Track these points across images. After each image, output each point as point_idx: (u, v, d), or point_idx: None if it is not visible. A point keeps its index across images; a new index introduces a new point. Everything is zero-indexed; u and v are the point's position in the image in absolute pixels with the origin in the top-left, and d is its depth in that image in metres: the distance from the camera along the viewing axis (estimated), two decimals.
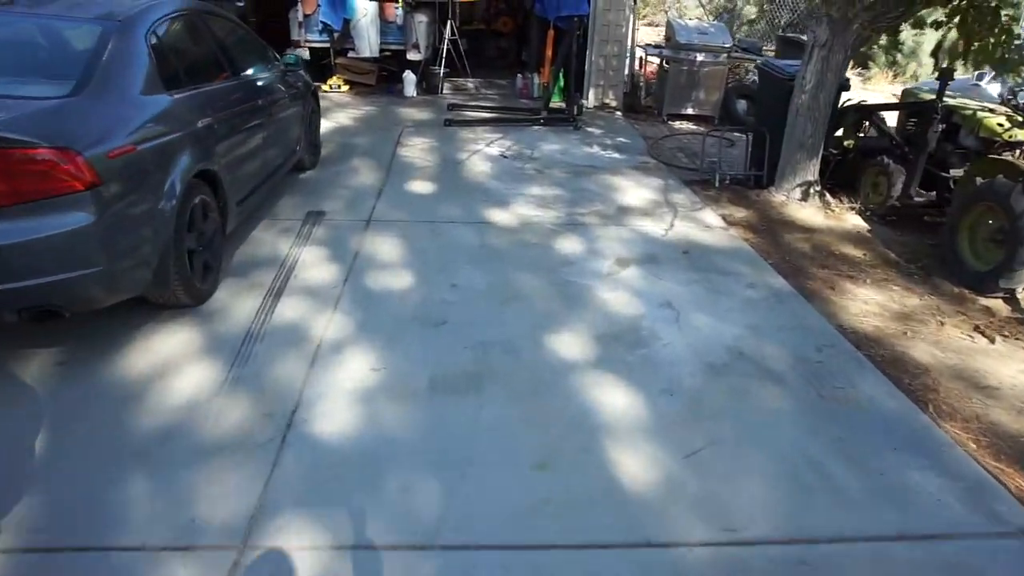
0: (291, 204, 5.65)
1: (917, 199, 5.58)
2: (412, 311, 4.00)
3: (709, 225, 5.69)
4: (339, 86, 10.05)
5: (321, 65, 10.36)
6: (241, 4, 12.38)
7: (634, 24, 9.61)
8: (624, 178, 6.90)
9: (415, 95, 10.08)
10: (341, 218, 5.39)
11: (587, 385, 3.38)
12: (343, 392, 3.22)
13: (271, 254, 4.66)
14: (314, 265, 4.53)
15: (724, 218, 5.90)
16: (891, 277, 5.01)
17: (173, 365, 3.35)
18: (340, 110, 9.12)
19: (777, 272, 4.86)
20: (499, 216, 5.60)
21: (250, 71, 5.06)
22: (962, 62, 6.19)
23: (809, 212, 6.09)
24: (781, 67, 6.35)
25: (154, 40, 3.78)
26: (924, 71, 14.71)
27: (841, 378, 3.58)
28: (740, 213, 6.06)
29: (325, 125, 8.07)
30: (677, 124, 9.45)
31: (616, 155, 7.75)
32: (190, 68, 4.16)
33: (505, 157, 7.38)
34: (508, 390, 3.31)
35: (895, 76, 15.13)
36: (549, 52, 8.85)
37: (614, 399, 3.29)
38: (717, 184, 6.66)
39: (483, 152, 7.53)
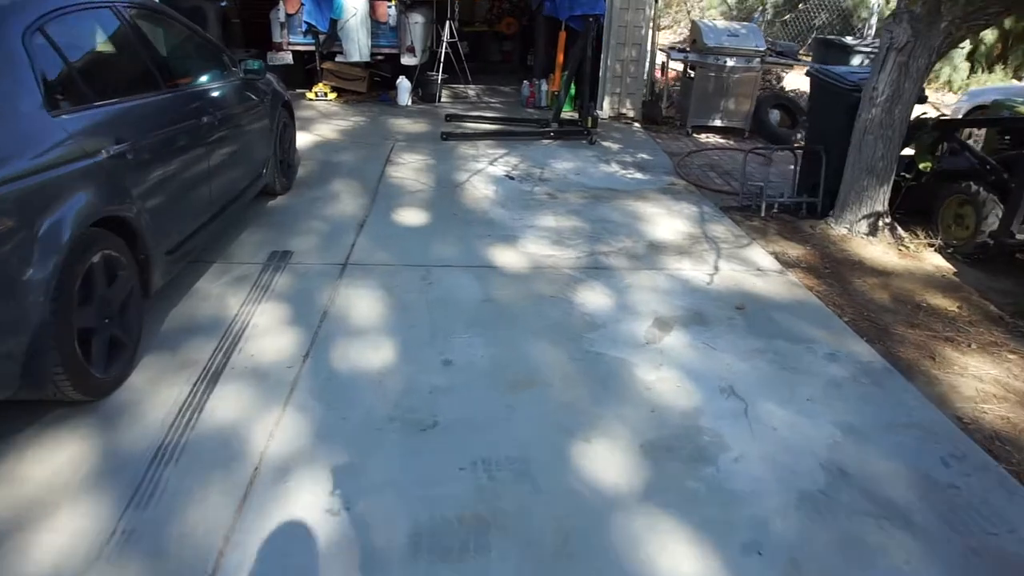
0: (252, 241, 4.63)
1: (1021, 236, 4.55)
2: (391, 405, 2.97)
3: (761, 268, 4.66)
4: (325, 93, 9.04)
5: (306, 70, 9.35)
6: (224, 3, 11.44)
7: (655, 25, 8.60)
8: (651, 204, 5.87)
9: (410, 104, 9.07)
10: (312, 260, 4.37)
11: (636, 536, 2.35)
12: (281, 557, 2.19)
13: (215, 315, 3.63)
14: (269, 331, 3.50)
15: (777, 257, 4.87)
16: (999, 339, 3.98)
17: (44, 506, 2.32)
18: (325, 121, 8.10)
19: (859, 335, 3.83)
20: (505, 257, 4.58)
21: (195, 81, 4.05)
22: (1001, 65, 5.38)
23: (879, 250, 5.06)
24: (842, 75, 5.32)
25: (39, 41, 2.76)
26: (959, 76, 13.69)
27: (989, 515, 2.55)
28: (795, 250, 5.03)
29: (306, 139, 7.07)
30: (703, 137, 8.42)
31: (639, 175, 6.72)
32: (98, 79, 3.14)
33: (511, 178, 6.36)
34: (523, 548, 2.28)
35: (927, 83, 14.07)
36: (560, 57, 7.83)
37: (678, 563, 2.25)
38: (763, 213, 5.63)
39: (486, 172, 6.51)
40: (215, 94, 4.19)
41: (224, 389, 3.01)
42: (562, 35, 7.73)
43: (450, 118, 8.26)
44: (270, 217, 5.10)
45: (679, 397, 3.15)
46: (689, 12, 9.24)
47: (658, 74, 9.18)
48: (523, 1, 11.46)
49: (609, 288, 4.20)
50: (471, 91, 10.04)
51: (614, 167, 6.94)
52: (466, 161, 6.83)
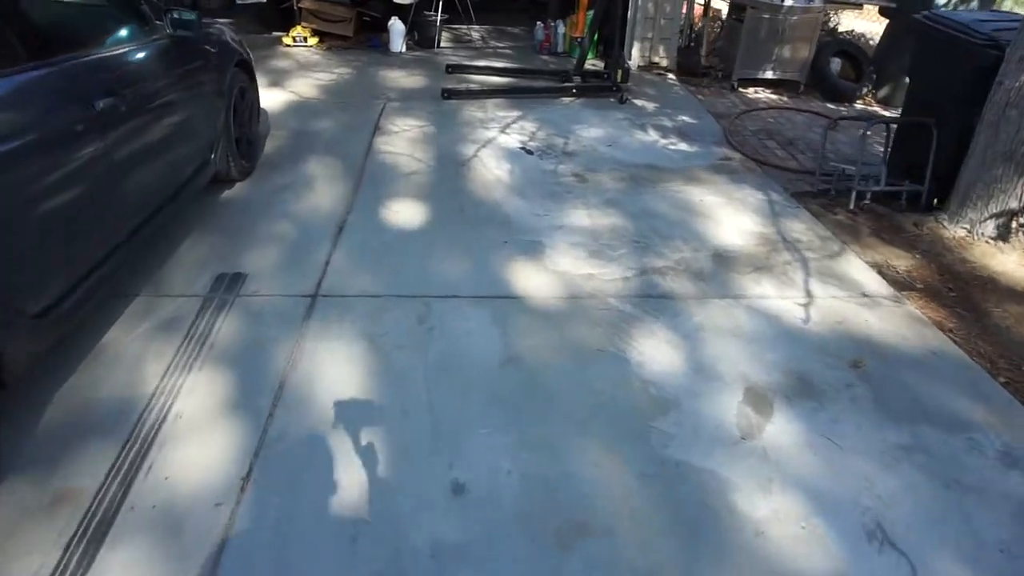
0: (194, 257, 3.48)
1: None
2: None
3: (868, 292, 3.52)
4: (305, 38, 7.68)
5: (281, 10, 7.96)
6: None
7: None
8: (705, 189, 4.68)
9: (404, 51, 7.72)
10: (270, 290, 3.24)
11: None
12: None
13: (124, 395, 2.53)
14: (196, 427, 2.41)
15: (882, 272, 3.73)
16: None
17: None
18: (303, 74, 6.80)
19: None
20: (530, 279, 3.44)
21: (88, 48, 2.82)
22: None
23: (1013, 260, 3.90)
24: (969, 24, 4.05)
25: None
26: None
27: None
28: (901, 261, 3.88)
29: (278, 99, 5.83)
30: (751, 92, 7.12)
31: (684, 146, 5.49)
32: None
33: (529, 152, 5.14)
34: None
35: None
36: None
37: None
38: (852, 205, 4.44)
39: (497, 143, 5.28)
40: (123, 63, 2.97)
41: (112, 559, 1.93)
42: None
43: (452, 69, 6.95)
44: (222, 217, 3.93)
45: (809, 550, 2.07)
46: None
47: (697, 16, 7.78)
48: None
49: (674, 332, 3.08)
50: (475, 33, 8.65)
51: (652, 134, 5.70)
52: (473, 128, 5.59)
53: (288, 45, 7.70)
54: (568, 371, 2.80)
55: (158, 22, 3.33)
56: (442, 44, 8.06)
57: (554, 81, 6.78)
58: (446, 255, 3.63)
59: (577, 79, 6.57)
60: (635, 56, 7.31)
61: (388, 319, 3.06)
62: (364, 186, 4.44)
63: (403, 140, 5.26)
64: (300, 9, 7.65)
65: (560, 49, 8.00)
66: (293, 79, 6.61)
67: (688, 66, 7.39)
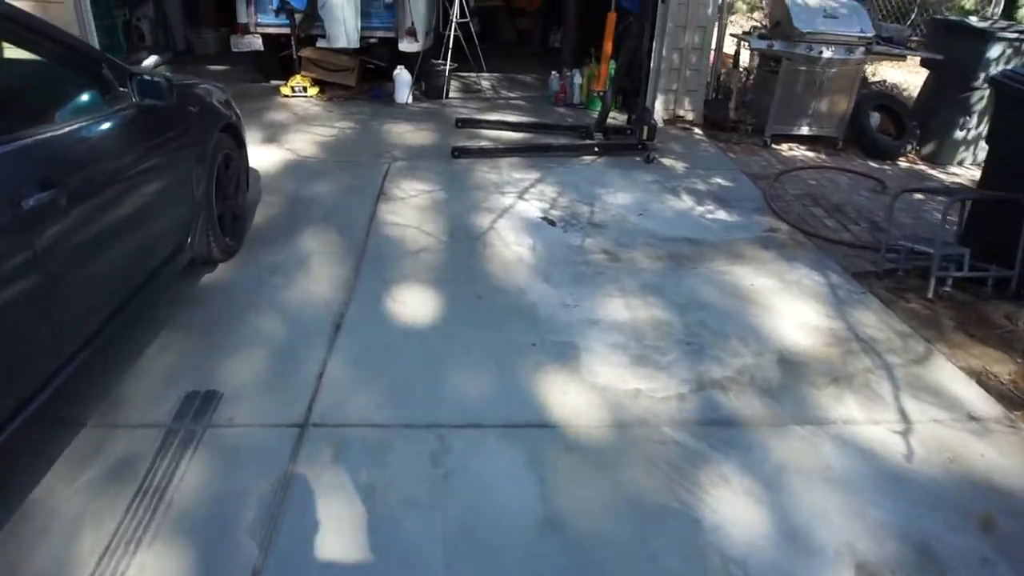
0: (160, 367, 2.89)
1: None
2: None
3: (973, 413, 2.92)
4: (304, 88, 7.19)
5: (280, 58, 7.48)
6: None
7: (725, 4, 6.72)
8: (754, 268, 4.11)
9: (410, 101, 7.23)
10: (249, 416, 2.64)
11: None
12: None
13: None
14: None
15: (981, 382, 3.14)
16: None
17: None
18: (301, 128, 6.28)
19: None
20: (566, 398, 2.84)
21: (27, 127, 2.25)
22: None
23: None
24: None
25: None
26: None
27: None
28: (1002, 366, 3.29)
29: (273, 158, 5.31)
30: (786, 149, 6.60)
31: (723, 214, 4.93)
32: None
33: (551, 223, 4.58)
34: None
35: None
36: (608, 46, 5.98)
37: None
38: (931, 293, 3.85)
39: (515, 212, 4.73)
40: (69, 144, 2.40)
41: None
42: (610, 17, 5.88)
43: (462, 123, 6.43)
44: (198, 310, 3.34)
45: None
46: None
47: (724, 68, 7.30)
48: None
49: (751, 476, 2.46)
50: (485, 82, 8.18)
51: (686, 200, 5.14)
52: (487, 192, 5.04)
53: (287, 95, 7.21)
54: (625, 540, 2.18)
55: (122, 88, 2.77)
56: (451, 94, 7.57)
57: (573, 138, 6.26)
58: (463, 363, 3.03)
59: (599, 136, 6.05)
60: (659, 109, 6.80)
61: (395, 460, 2.45)
62: (366, 267, 3.86)
63: (410, 208, 4.70)
64: (300, 58, 7.17)
65: (576, 100, 7.51)
66: (291, 134, 6.09)
67: (716, 120, 6.88)
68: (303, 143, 5.89)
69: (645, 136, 5.85)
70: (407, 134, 6.29)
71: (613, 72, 6.11)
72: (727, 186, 5.50)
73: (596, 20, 8.81)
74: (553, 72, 7.57)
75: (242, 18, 7.04)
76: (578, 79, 7.45)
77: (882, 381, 3.10)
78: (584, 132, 6.24)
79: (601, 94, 6.02)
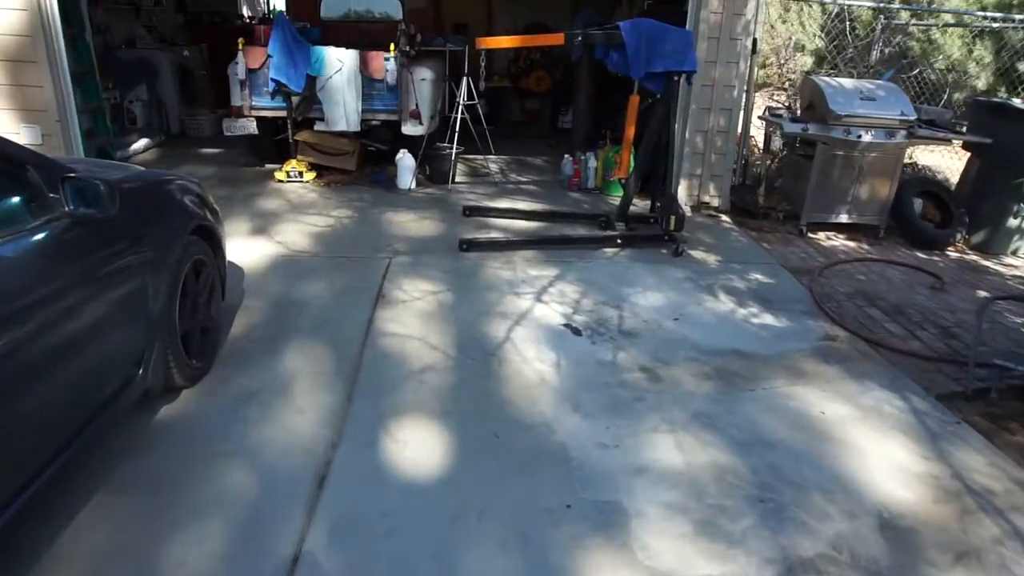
0: (85, 550, 2.19)
1: None
2: None
3: None
4: (300, 173, 6.70)
5: (276, 141, 7.03)
6: (186, 53, 9.26)
7: (751, 84, 6.30)
8: (820, 390, 3.47)
9: (413, 187, 6.73)
10: None
11: None
12: None
13: None
14: None
15: None
16: None
17: None
18: (295, 218, 5.74)
19: None
20: None
21: None
22: None
23: None
24: None
25: None
26: None
27: None
28: None
29: (262, 251, 4.79)
30: (822, 238, 6.04)
31: (769, 318, 4.32)
32: None
33: (576, 332, 3.96)
34: None
35: None
36: (631, 130, 5.50)
37: None
38: None
39: (533, 317, 4.11)
40: None
41: None
42: (633, 100, 5.42)
43: (470, 211, 5.91)
44: (147, 458, 2.68)
45: None
46: (782, 65, 6.96)
47: (751, 150, 6.83)
48: (557, 51, 9.22)
49: None
50: (493, 165, 7.72)
51: (725, 301, 4.54)
52: (500, 293, 4.44)
53: (281, 181, 6.72)
54: None
55: (53, 195, 2.19)
56: (457, 179, 7.09)
57: (592, 227, 5.72)
58: (479, 538, 2.35)
59: (621, 226, 5.50)
60: (682, 195, 6.29)
61: None
62: (360, 394, 3.22)
63: (413, 314, 4.09)
64: (296, 142, 6.71)
65: (591, 184, 7.02)
66: (283, 224, 5.54)
67: (744, 207, 6.36)
68: (296, 235, 5.34)
69: (672, 226, 5.30)
70: (410, 224, 5.74)
71: (637, 158, 5.61)
72: (768, 283, 4.91)
73: (607, 100, 8.47)
74: (566, 155, 7.11)
75: (236, 100, 6.62)
76: (592, 162, 6.98)
77: (1017, 556, 2.40)
78: (604, 221, 5.70)
79: (623, 182, 5.51)
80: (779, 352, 3.89)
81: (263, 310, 4.04)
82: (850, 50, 7.08)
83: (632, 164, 5.55)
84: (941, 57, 7.33)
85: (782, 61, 7.14)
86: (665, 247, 5.39)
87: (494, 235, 5.50)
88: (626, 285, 4.70)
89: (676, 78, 5.13)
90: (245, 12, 13.29)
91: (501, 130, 8.62)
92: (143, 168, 3.46)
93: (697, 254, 5.39)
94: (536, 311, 4.22)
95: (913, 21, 7.72)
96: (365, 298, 4.27)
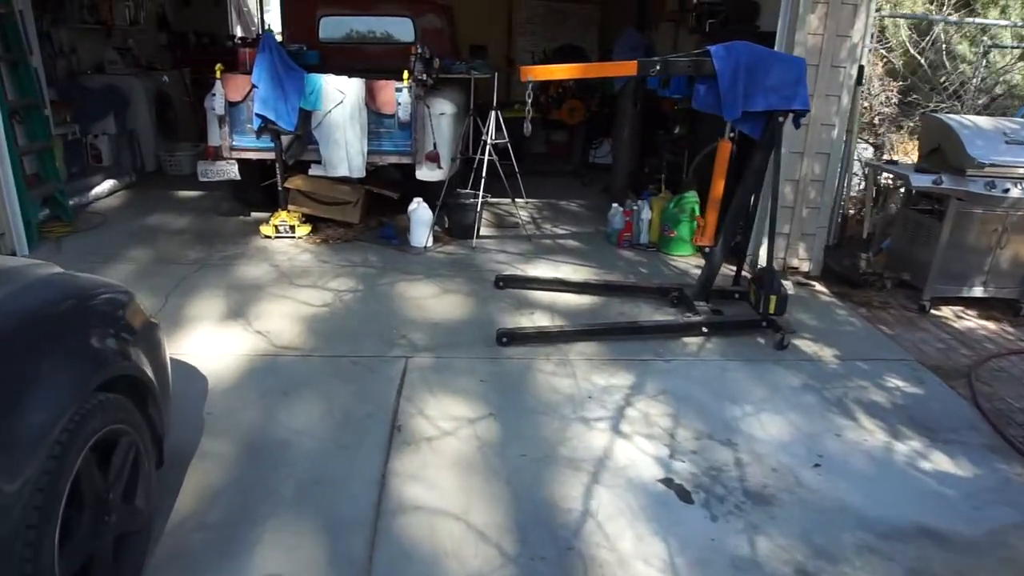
0: None
1: None
2: None
3: None
4: (292, 228, 5.47)
5: (263, 188, 5.81)
6: (164, 79, 8.08)
7: (855, 123, 5.08)
8: None
9: (429, 245, 5.49)
10: None
11: None
12: None
13: None
14: None
15: None
16: None
17: None
18: (282, 292, 4.50)
19: None
20: None
21: None
22: None
23: None
24: None
25: None
26: None
27: None
28: None
29: (234, 349, 3.58)
30: (950, 316, 4.79)
31: (942, 459, 3.08)
32: None
33: (685, 496, 2.71)
34: None
35: None
36: (719, 184, 4.26)
37: None
38: None
39: (616, 466, 2.89)
40: None
41: None
42: (724, 146, 4.19)
43: (504, 282, 4.67)
44: None
45: None
46: (870, 97, 5.71)
47: (853, 203, 5.54)
48: (594, 81, 8.02)
49: None
50: (522, 213, 6.48)
51: (869, 427, 3.29)
52: (562, 419, 3.19)
53: (268, 236, 5.48)
54: None
55: None
56: (481, 231, 5.84)
57: (660, 304, 4.51)
58: None
59: (702, 306, 4.24)
60: (762, 257, 5.04)
61: None
62: None
63: (444, 463, 2.83)
64: (286, 190, 5.48)
65: (644, 239, 5.79)
66: (265, 303, 4.30)
67: (842, 272, 5.13)
68: (281, 319, 4.09)
69: (772, 309, 4.06)
70: (430, 301, 4.49)
71: (728, 220, 4.36)
72: (915, 394, 3.65)
73: (651, 135, 7.28)
74: (614, 205, 5.87)
75: (213, 139, 5.41)
76: (647, 213, 5.75)
77: None
78: (677, 297, 4.47)
79: (706, 251, 4.26)
80: (987, 531, 2.63)
81: (227, 463, 2.78)
82: (952, 76, 5.87)
83: (723, 226, 4.30)
84: None
85: (870, 93, 5.90)
86: (762, 334, 4.14)
87: (539, 320, 4.26)
88: (729, 401, 3.44)
89: (781, 119, 3.90)
90: (237, 32, 12.18)
91: (524, 166, 7.39)
92: (43, 270, 2.21)
93: (804, 345, 4.14)
94: (618, 452, 2.97)
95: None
96: (374, 433, 3.02)
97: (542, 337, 3.95)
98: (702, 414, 3.32)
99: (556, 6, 9.45)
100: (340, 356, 3.71)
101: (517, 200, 6.19)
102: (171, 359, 2.56)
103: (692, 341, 4.08)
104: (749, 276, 4.45)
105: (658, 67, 3.79)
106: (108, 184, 6.67)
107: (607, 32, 9.95)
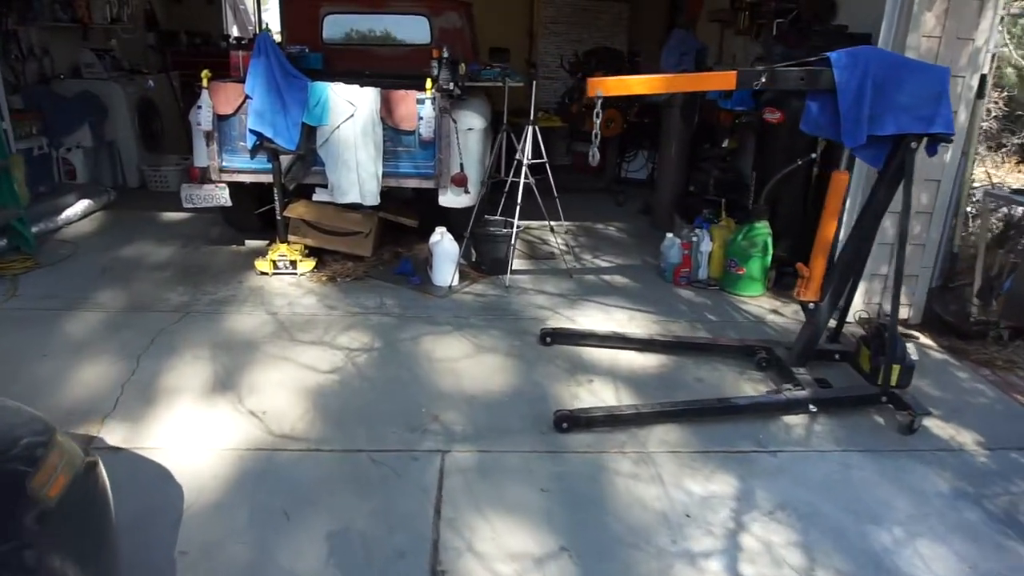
0: None
1: None
2: None
3: None
4: (292, 263, 4.63)
5: (259, 215, 4.98)
6: (151, 84, 7.23)
7: (974, 141, 4.24)
8: None
9: (455, 284, 4.64)
10: None
11: None
12: None
13: None
14: None
15: None
16: None
17: None
18: (279, 352, 3.68)
19: None
20: None
21: None
22: None
23: None
24: None
25: None
26: None
27: None
28: None
29: (218, 442, 2.64)
30: None
31: None
32: None
33: None
34: None
35: None
36: (832, 223, 3.41)
37: None
38: None
39: None
40: None
41: None
42: (840, 179, 3.34)
43: (552, 337, 3.85)
44: None
45: None
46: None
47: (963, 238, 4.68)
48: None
49: None
50: (557, 240, 5.63)
51: None
52: (659, 554, 2.39)
53: (265, 273, 4.64)
54: None
55: None
56: (514, 264, 4.99)
57: (743, 364, 3.68)
58: None
59: (802, 375, 3.41)
60: (856, 302, 4.20)
61: None
62: None
63: None
64: (286, 219, 4.64)
65: (703, 275, 4.96)
66: (259, 368, 3.47)
67: (950, 321, 4.29)
68: (280, 394, 3.26)
69: (895, 381, 3.23)
70: (463, 363, 3.65)
71: (841, 266, 3.52)
72: None
73: (699, 145, 6.45)
74: (668, 235, 5.03)
75: (200, 159, 4.58)
76: (706, 244, 4.92)
77: None
78: (765, 360, 3.65)
79: (810, 307, 3.42)
80: None
81: None
82: None
83: (837, 273, 3.46)
84: None
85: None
86: (879, 410, 3.31)
87: (600, 390, 3.43)
88: (870, 520, 2.62)
89: (914, 144, 3.06)
90: (233, 32, 11.32)
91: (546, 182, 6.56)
92: None
93: (934, 425, 3.31)
94: None
95: None
96: None
97: (612, 420, 3.11)
98: (840, 543, 2.49)
99: (584, 4, 8.61)
100: (357, 451, 2.88)
101: (553, 225, 5.34)
102: (138, 456, 1.75)
103: (796, 422, 3.25)
104: (865, 339, 3.58)
105: (763, 79, 2.95)
106: (82, 205, 5.83)
107: (636, 33, 9.13)
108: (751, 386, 3.57)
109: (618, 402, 3.36)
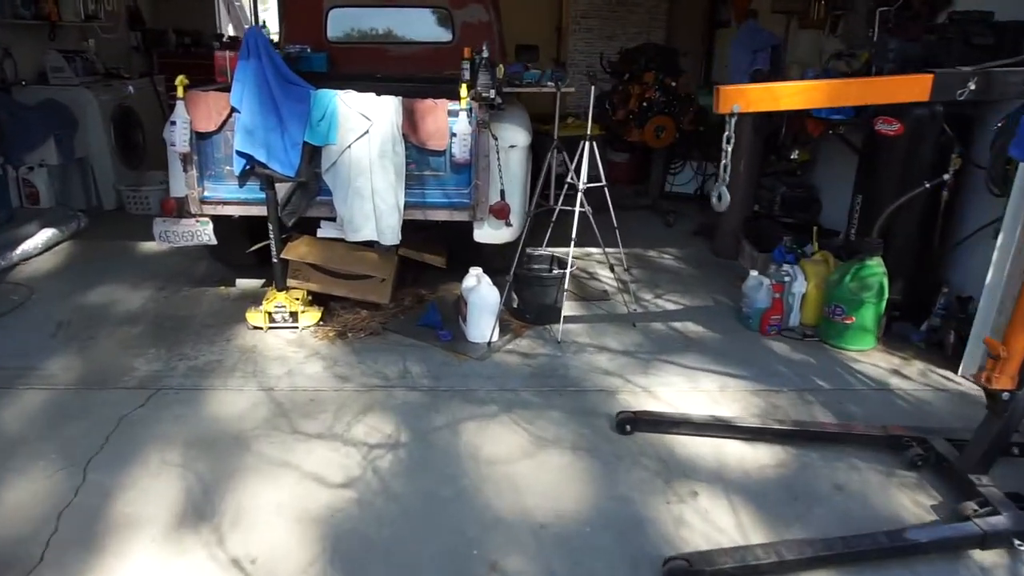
0: None
1: None
2: None
3: None
4: (293, 315, 3.70)
5: (253, 253, 4.07)
6: (131, 90, 6.33)
7: None
8: None
9: (495, 340, 3.70)
10: None
11: None
12: None
13: None
14: None
15: None
16: None
17: None
18: (276, 455, 2.77)
19: None
20: None
21: None
22: None
23: None
24: None
25: None
26: None
27: None
28: None
29: None
30: None
31: None
32: None
33: None
34: None
35: None
36: None
37: None
38: None
39: None
40: None
41: None
42: None
43: (632, 424, 2.93)
44: None
45: None
46: None
47: None
48: (687, 90, 6.25)
49: None
50: (607, 275, 4.70)
51: None
52: None
53: (258, 328, 3.72)
54: None
55: None
56: (565, 309, 4.07)
57: (888, 459, 2.78)
58: None
59: (986, 485, 2.48)
60: (967, 362, 3.27)
61: None
62: None
63: None
64: (283, 261, 3.72)
65: (795, 320, 4.05)
66: (247, 483, 2.56)
67: None
68: (272, 523, 2.36)
69: None
70: (520, 468, 2.73)
71: None
72: None
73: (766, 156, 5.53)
74: (753, 273, 4.10)
75: (178, 189, 3.66)
76: (800, 285, 4.00)
77: None
78: (922, 455, 2.74)
79: (1004, 396, 2.49)
80: None
81: None
82: None
83: (1020, 360, 2.53)
84: None
85: None
86: None
87: (708, 505, 2.52)
88: None
89: None
90: (229, 31, 10.44)
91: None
92: None
93: None
94: None
95: None
96: None
97: (747, 572, 2.18)
98: None
99: None
100: None
101: (612, 260, 4.40)
102: None
103: (992, 560, 2.33)
104: None
105: (972, 86, 2.03)
106: (44, 236, 4.94)
107: (674, 29, 8.21)
108: (908, 497, 2.65)
109: (738, 526, 2.45)
